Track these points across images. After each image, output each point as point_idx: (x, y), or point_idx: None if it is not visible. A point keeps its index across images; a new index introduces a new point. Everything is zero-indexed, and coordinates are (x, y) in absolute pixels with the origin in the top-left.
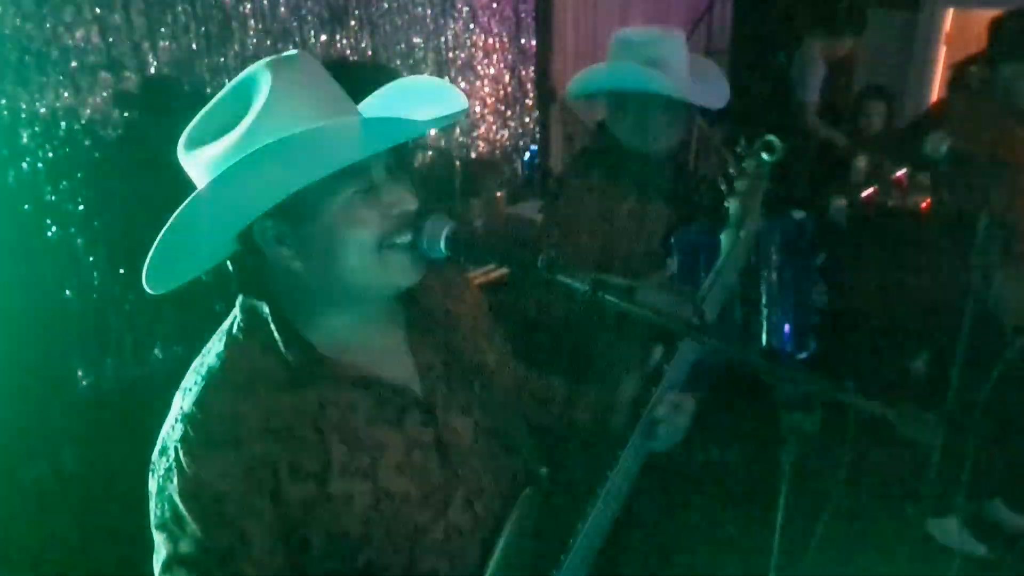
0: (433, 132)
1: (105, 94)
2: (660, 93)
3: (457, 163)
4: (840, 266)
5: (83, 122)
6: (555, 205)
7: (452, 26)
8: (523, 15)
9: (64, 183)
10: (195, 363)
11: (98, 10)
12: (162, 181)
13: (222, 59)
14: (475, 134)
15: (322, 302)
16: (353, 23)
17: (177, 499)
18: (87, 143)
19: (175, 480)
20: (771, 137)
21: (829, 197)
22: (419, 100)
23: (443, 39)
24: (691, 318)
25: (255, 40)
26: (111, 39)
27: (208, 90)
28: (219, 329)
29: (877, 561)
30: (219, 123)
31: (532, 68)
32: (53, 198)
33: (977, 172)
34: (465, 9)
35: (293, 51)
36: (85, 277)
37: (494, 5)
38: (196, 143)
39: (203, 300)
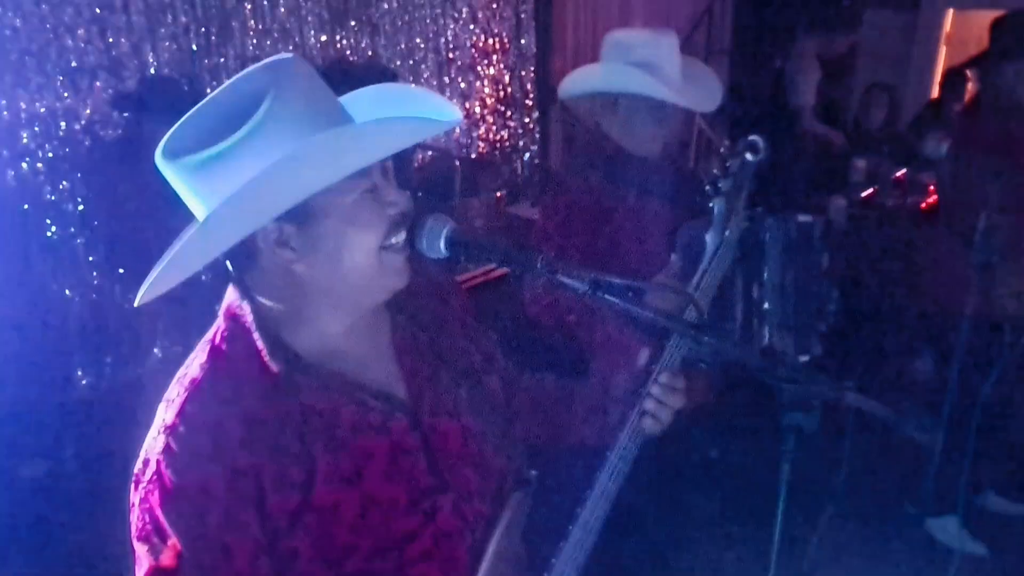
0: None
1: (105, 94)
2: (650, 96)
3: (457, 163)
4: (840, 266)
5: (83, 122)
6: (552, 205)
7: (452, 26)
8: (523, 15)
9: (64, 183)
10: (178, 374)
11: (98, 10)
12: (162, 181)
13: (222, 59)
14: (475, 134)
15: (314, 306)
16: (353, 23)
17: (159, 512)
18: (87, 143)
19: (157, 493)
20: (754, 137)
21: (829, 197)
22: (414, 104)
23: (443, 39)
24: (691, 318)
25: (255, 40)
26: (111, 39)
27: (208, 91)
28: (202, 339)
29: (877, 561)
30: (212, 129)
31: (532, 68)
32: (53, 198)
33: (977, 171)
34: (465, 9)
35: (286, 55)
36: (85, 277)
37: (494, 5)
38: (187, 150)
39: (203, 300)
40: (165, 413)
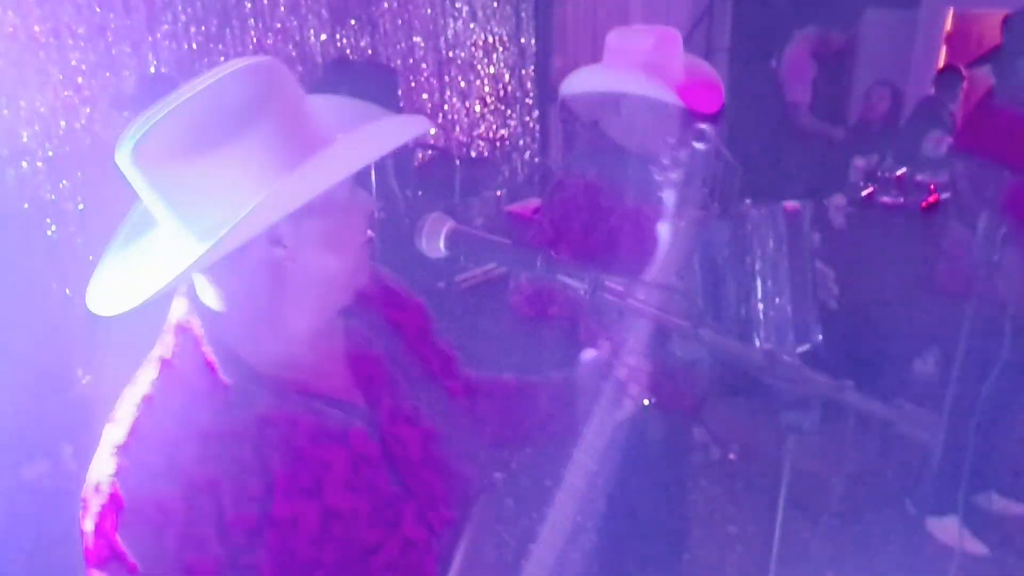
0: (433, 131)
1: (105, 94)
2: (651, 96)
3: (457, 162)
4: (839, 265)
5: (83, 122)
6: (551, 204)
7: (452, 25)
8: (523, 14)
9: (64, 182)
10: (124, 392)
11: (98, 10)
12: None
13: (222, 59)
14: (475, 133)
15: (289, 308)
16: (353, 21)
17: (115, 535)
18: (87, 143)
19: (112, 516)
20: (703, 126)
21: (828, 195)
22: (366, 110)
23: (443, 38)
24: (690, 316)
25: (255, 39)
26: (111, 39)
27: None
28: (148, 356)
29: (877, 561)
30: (192, 135)
31: (532, 67)
32: (53, 197)
33: (980, 169)
34: (465, 8)
35: (264, 58)
36: (85, 277)
37: (494, 4)
38: (163, 155)
39: None
40: (115, 433)
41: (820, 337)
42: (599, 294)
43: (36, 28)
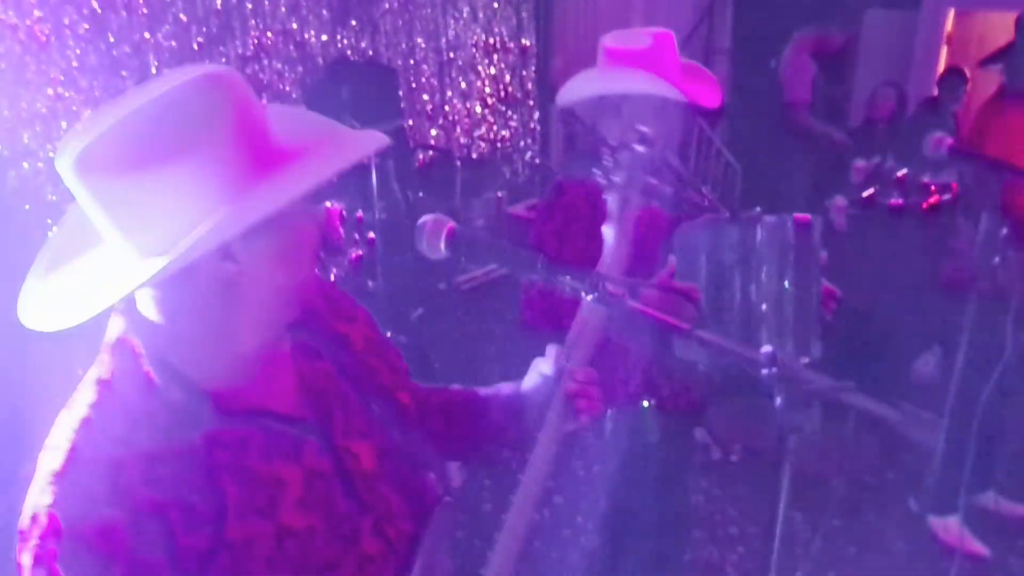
0: (434, 132)
1: (106, 94)
2: (652, 94)
3: (458, 163)
4: (840, 265)
5: None
6: (551, 205)
7: (453, 26)
8: (523, 14)
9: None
10: (59, 417)
11: (98, 10)
12: None
13: (223, 59)
14: (476, 134)
15: (239, 323)
16: (354, 22)
17: (59, 568)
18: None
19: (53, 548)
20: (644, 128)
21: (830, 196)
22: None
23: (444, 39)
24: (690, 317)
25: (256, 39)
26: (111, 39)
27: None
28: (84, 379)
29: (878, 560)
30: (140, 147)
31: (533, 67)
32: (54, 198)
33: (981, 169)
34: (466, 9)
35: (219, 67)
36: None
37: (495, 4)
38: (109, 167)
39: None
40: (52, 461)
41: (819, 354)
42: (599, 296)
43: (36, 28)
